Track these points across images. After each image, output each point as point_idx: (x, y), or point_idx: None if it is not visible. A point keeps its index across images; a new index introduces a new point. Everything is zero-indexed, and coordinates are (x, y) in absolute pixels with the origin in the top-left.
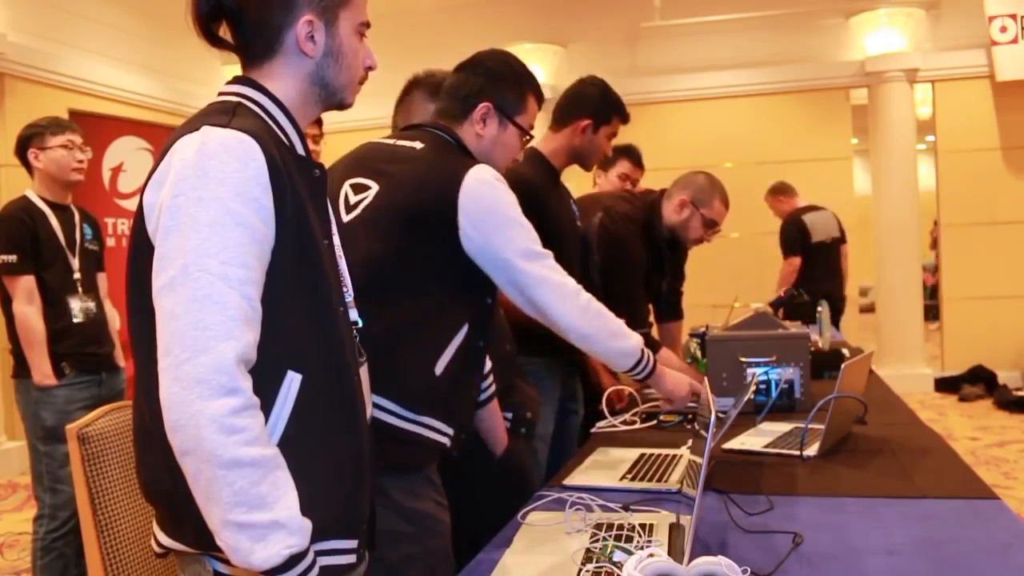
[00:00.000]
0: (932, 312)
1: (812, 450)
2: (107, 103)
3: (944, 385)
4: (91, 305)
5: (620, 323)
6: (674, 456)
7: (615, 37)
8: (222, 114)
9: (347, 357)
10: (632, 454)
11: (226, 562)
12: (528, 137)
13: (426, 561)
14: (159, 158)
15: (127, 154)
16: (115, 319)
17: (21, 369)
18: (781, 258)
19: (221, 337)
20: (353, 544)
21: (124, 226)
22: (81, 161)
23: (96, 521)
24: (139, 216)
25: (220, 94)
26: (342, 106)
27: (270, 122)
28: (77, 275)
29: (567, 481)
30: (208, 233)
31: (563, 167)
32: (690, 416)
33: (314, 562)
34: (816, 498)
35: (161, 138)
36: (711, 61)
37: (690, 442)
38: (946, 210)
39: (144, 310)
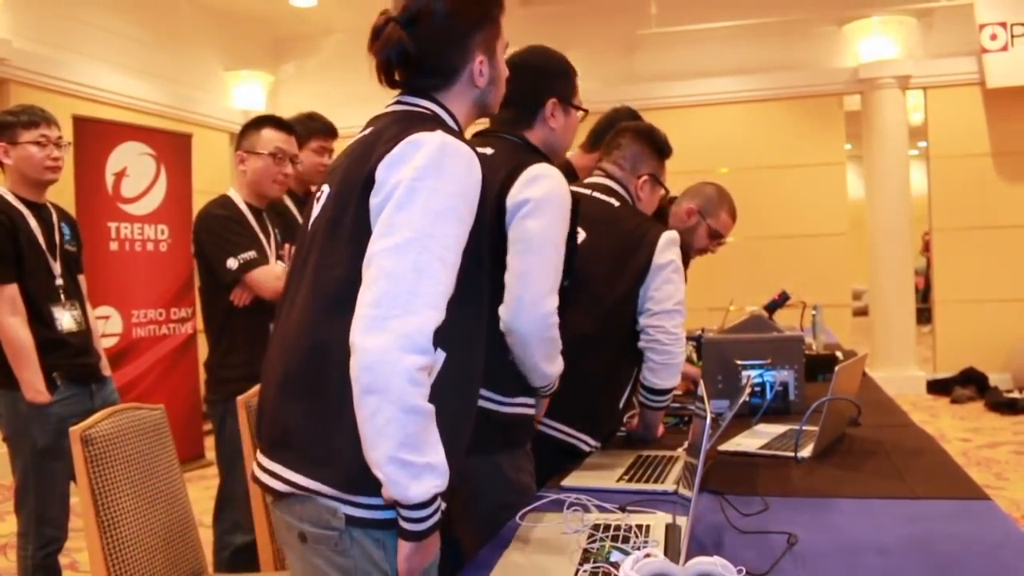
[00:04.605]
0: (924, 315)
1: (806, 451)
2: (111, 109)
3: (936, 387)
4: (75, 313)
5: None
6: (670, 458)
7: (612, 44)
8: (443, 126)
9: (481, 349)
10: (629, 456)
11: (360, 506)
12: (584, 112)
13: None
14: (386, 142)
15: (130, 159)
16: (98, 327)
17: (6, 380)
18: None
19: (430, 307)
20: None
21: (127, 230)
22: (57, 159)
23: (99, 521)
24: (364, 184)
25: (415, 106)
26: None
27: None
28: (59, 281)
29: (565, 482)
30: (435, 219)
31: None
32: (687, 418)
33: (440, 503)
34: (810, 499)
35: (164, 143)
36: (707, 68)
37: (686, 444)
38: (938, 214)
39: (350, 257)
